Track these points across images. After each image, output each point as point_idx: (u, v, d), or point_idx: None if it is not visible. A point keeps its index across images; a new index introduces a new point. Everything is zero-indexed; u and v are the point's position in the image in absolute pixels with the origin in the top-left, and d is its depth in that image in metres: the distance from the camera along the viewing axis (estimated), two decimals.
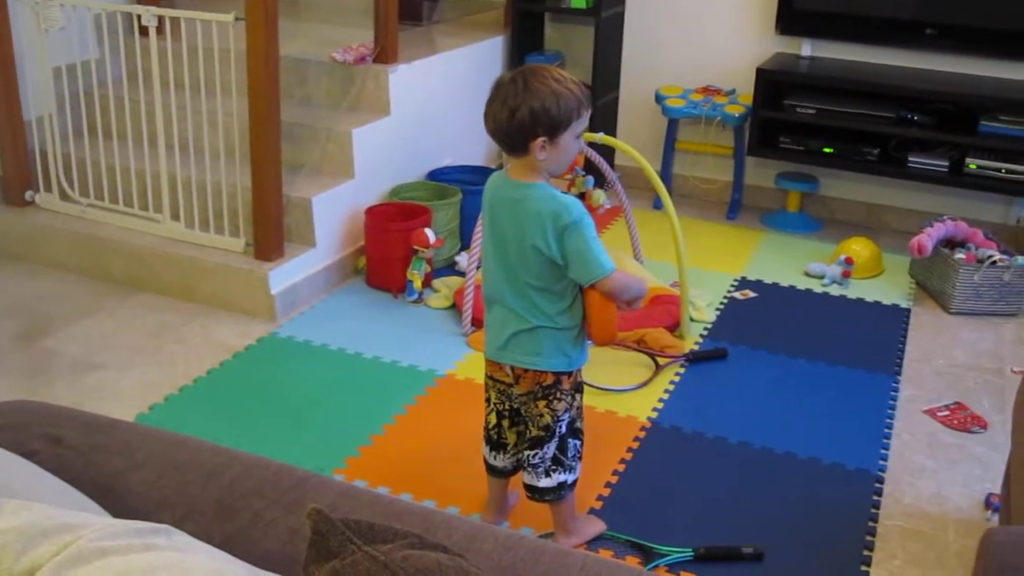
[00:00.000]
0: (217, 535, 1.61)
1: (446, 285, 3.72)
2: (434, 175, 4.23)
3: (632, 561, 2.37)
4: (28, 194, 3.93)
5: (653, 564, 2.33)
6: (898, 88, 4.20)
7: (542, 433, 2.25)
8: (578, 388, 2.28)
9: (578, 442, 2.32)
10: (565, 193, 2.12)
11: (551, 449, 2.26)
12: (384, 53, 3.93)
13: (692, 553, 2.35)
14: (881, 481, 2.73)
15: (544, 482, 2.29)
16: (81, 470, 1.74)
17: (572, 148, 2.08)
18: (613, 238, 4.21)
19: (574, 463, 2.31)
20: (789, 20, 4.48)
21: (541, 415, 2.23)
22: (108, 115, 3.86)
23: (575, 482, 2.33)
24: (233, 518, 1.64)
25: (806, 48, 4.54)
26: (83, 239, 3.76)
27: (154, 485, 1.71)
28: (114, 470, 1.74)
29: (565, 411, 2.25)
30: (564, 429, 2.26)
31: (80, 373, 3.13)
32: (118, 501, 1.67)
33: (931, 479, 2.76)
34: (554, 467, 2.28)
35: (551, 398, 2.22)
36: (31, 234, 3.87)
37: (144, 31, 3.54)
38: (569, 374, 2.22)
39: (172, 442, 1.84)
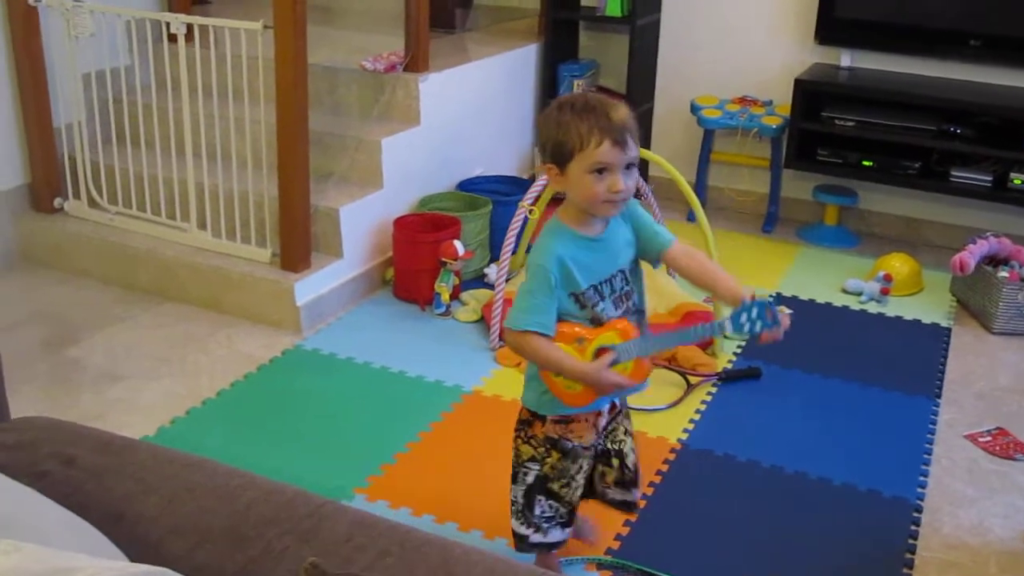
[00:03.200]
0: (229, 565, 1.57)
1: (475, 298, 3.66)
2: (465, 186, 4.17)
3: None
4: (57, 201, 3.92)
5: None
6: (940, 100, 4.10)
7: (513, 469, 2.15)
8: (557, 447, 2.07)
9: (554, 504, 2.11)
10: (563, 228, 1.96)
11: (516, 494, 2.13)
12: (415, 61, 3.88)
13: None
14: (919, 510, 2.63)
15: (512, 522, 2.17)
16: (92, 493, 1.70)
17: (584, 183, 1.86)
18: None
19: (543, 524, 2.12)
20: (829, 29, 4.38)
21: (514, 449, 2.14)
22: (137, 122, 3.84)
23: (544, 545, 2.14)
24: (246, 547, 1.59)
25: (845, 59, 4.44)
26: (110, 247, 3.74)
27: (166, 510, 1.66)
28: (126, 493, 1.70)
29: (531, 459, 2.10)
30: (531, 480, 2.10)
31: (104, 384, 3.10)
32: (129, 528, 1.63)
33: (972, 508, 2.67)
34: (518, 514, 2.14)
35: (519, 437, 2.11)
36: (59, 241, 3.85)
37: (173, 38, 3.52)
38: (541, 420, 2.07)
39: (186, 464, 1.80)
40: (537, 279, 1.92)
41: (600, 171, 1.84)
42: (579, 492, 2.13)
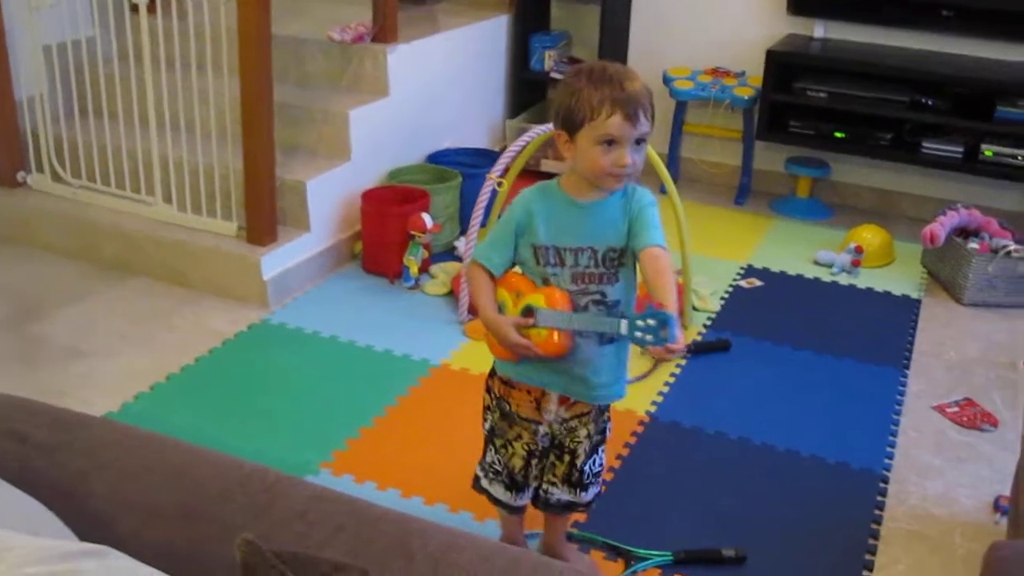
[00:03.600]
0: (181, 542, 1.54)
1: (444, 271, 3.64)
2: (434, 158, 4.13)
3: (611, 564, 2.29)
4: (20, 175, 3.85)
5: (632, 568, 2.25)
6: (912, 72, 4.08)
7: None
8: (499, 405, 2.07)
9: (498, 458, 2.12)
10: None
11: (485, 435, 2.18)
12: (383, 32, 3.83)
13: (672, 557, 2.27)
14: (886, 481, 2.64)
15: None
16: (44, 471, 1.67)
17: (591, 154, 1.82)
18: None
19: (489, 473, 2.14)
20: (801, 0, 4.36)
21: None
22: (100, 95, 3.78)
23: (491, 498, 2.16)
24: (198, 523, 1.56)
25: (819, 29, 4.42)
26: (75, 222, 3.69)
27: (118, 487, 1.63)
28: (78, 471, 1.67)
29: (486, 408, 2.12)
30: (485, 428, 2.13)
31: (67, 360, 3.06)
32: (78, 506, 1.60)
33: (938, 479, 2.67)
34: (482, 453, 2.18)
35: (486, 382, 2.12)
36: (23, 216, 3.79)
37: (135, 8, 3.45)
38: (495, 372, 2.08)
39: (141, 440, 1.77)
40: (502, 220, 1.96)
41: (608, 143, 1.80)
42: (518, 462, 2.09)
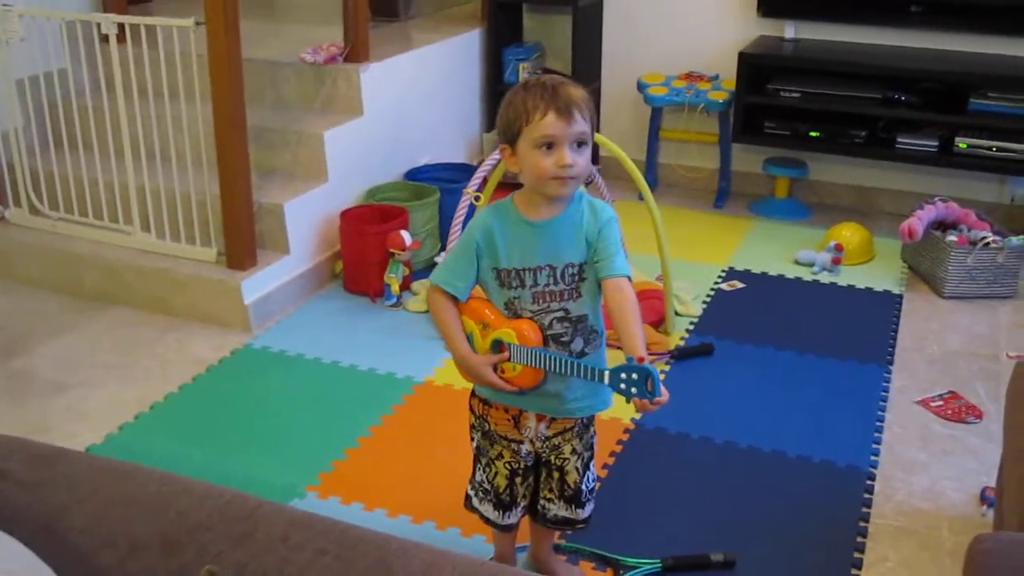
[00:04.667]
0: (161, 572, 1.54)
1: (425, 288, 3.63)
2: (412, 175, 4.14)
3: (600, 575, 2.29)
4: None
5: None
6: (884, 68, 4.11)
7: None
8: (479, 424, 2.07)
9: (485, 477, 2.10)
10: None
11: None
12: (354, 51, 3.84)
13: (660, 564, 2.27)
14: (872, 478, 2.64)
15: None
16: (24, 507, 1.67)
17: (532, 158, 1.82)
18: None
19: (479, 492, 2.13)
20: (771, 2, 4.39)
21: None
22: (74, 126, 3.77)
23: (482, 517, 2.14)
24: (178, 553, 1.56)
25: (789, 30, 4.44)
26: (55, 254, 3.68)
27: (98, 521, 1.63)
28: (58, 505, 1.67)
29: (471, 426, 2.11)
30: (473, 447, 2.12)
31: (50, 394, 3.05)
32: (59, 541, 1.60)
33: (924, 473, 2.68)
34: (472, 473, 2.17)
35: (470, 401, 2.10)
36: (1, 250, 3.78)
37: (106, 38, 3.45)
38: (475, 391, 2.08)
39: (121, 473, 1.76)
40: (461, 241, 1.96)
41: (548, 146, 1.80)
42: (502, 481, 2.07)
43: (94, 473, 1.76)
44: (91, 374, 3.17)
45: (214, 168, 3.40)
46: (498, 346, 1.90)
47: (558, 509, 2.12)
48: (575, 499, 2.10)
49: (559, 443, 2.04)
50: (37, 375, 3.17)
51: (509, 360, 1.89)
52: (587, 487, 2.11)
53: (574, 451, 2.06)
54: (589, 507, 2.13)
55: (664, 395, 1.73)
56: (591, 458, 2.10)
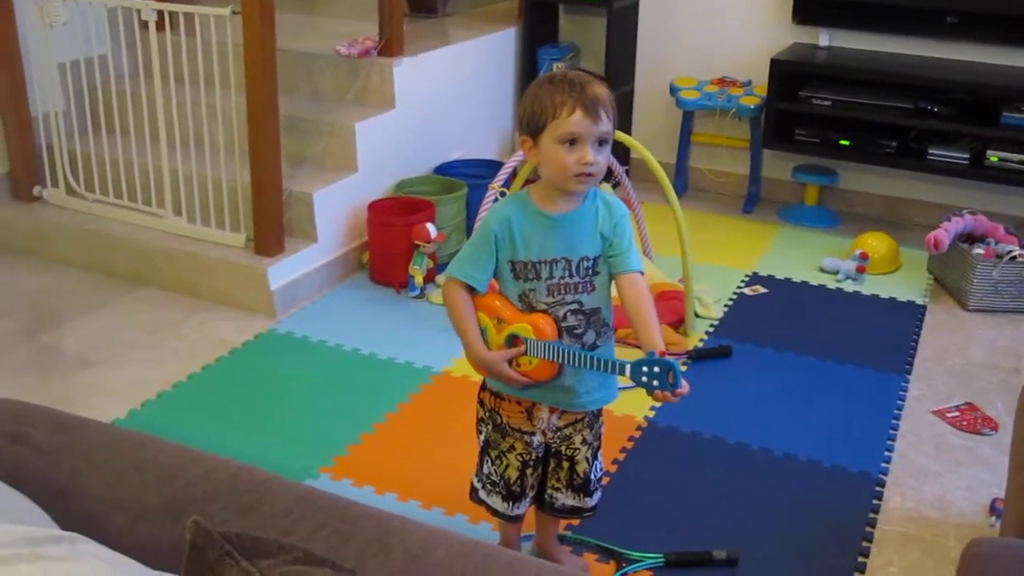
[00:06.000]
0: (166, 538, 1.59)
1: None
2: (442, 169, 4.18)
3: (603, 566, 2.31)
4: (36, 189, 3.94)
5: (624, 570, 2.28)
6: (917, 78, 4.09)
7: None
8: (491, 418, 2.08)
9: (494, 469, 2.12)
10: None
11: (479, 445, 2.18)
12: (389, 46, 3.89)
13: (663, 559, 2.29)
14: (882, 484, 2.64)
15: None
16: (40, 470, 1.72)
17: (555, 154, 1.83)
18: None
19: (487, 484, 2.15)
20: (806, 9, 4.39)
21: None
22: (112, 110, 3.86)
23: (490, 509, 2.17)
24: (184, 521, 1.59)
25: (823, 38, 4.44)
26: (88, 234, 3.76)
27: (110, 487, 1.68)
28: (73, 470, 1.72)
29: (480, 420, 2.13)
30: (482, 438, 2.14)
31: (76, 370, 3.13)
32: (71, 503, 1.65)
33: (935, 483, 2.68)
34: (477, 465, 2.18)
35: (479, 395, 2.13)
36: (38, 229, 3.87)
37: (145, 25, 3.53)
38: (486, 385, 2.09)
39: (136, 443, 1.81)
40: (480, 233, 1.94)
41: (571, 143, 1.82)
42: (513, 473, 2.10)
43: (109, 442, 1.81)
44: (117, 352, 3.24)
45: (245, 155, 3.46)
46: (513, 340, 1.92)
47: (566, 498, 2.15)
48: (584, 488, 2.13)
49: (570, 433, 2.08)
50: (64, 351, 3.24)
51: (525, 354, 1.91)
52: (595, 476, 2.14)
53: (584, 441, 2.09)
54: (597, 495, 2.17)
55: (685, 387, 1.77)
56: (599, 447, 2.14)
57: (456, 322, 1.96)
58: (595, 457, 2.13)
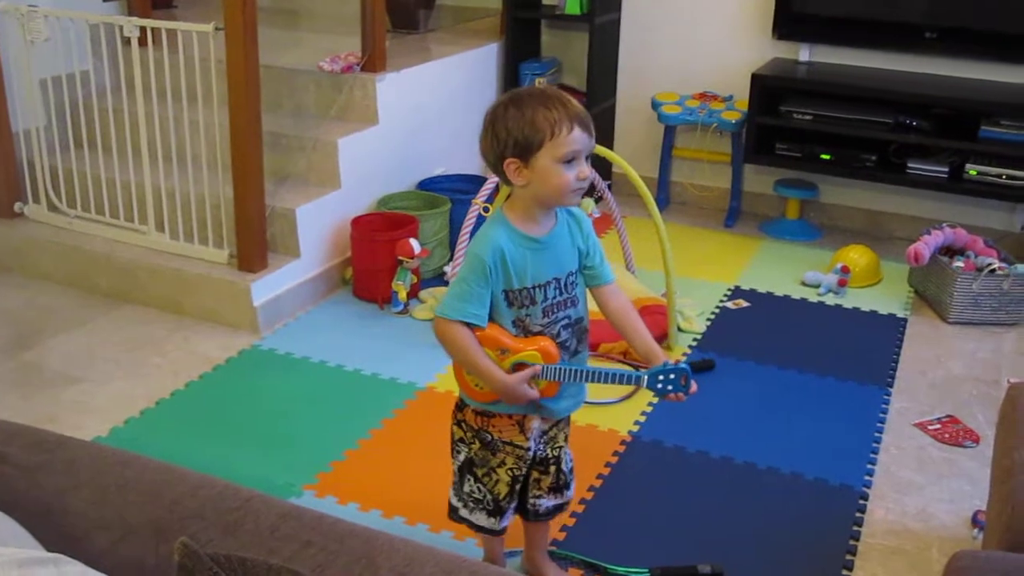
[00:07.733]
0: (151, 558, 1.58)
1: (433, 296, 3.68)
2: (425, 185, 4.19)
3: None
4: (17, 206, 3.92)
5: None
6: (897, 93, 4.13)
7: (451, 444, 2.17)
8: (478, 436, 2.06)
9: (479, 487, 2.11)
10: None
11: (454, 467, 2.15)
12: (372, 62, 3.89)
13: (648, 573, 2.30)
14: (865, 497, 2.66)
15: (450, 491, 2.19)
16: (22, 490, 1.71)
17: (553, 172, 1.82)
18: (605, 248, 4.14)
19: (469, 503, 2.13)
20: (787, 25, 4.42)
21: (451, 428, 2.15)
22: (94, 127, 3.84)
23: (474, 525, 2.16)
24: (169, 539, 1.59)
25: (804, 53, 4.47)
26: (70, 251, 3.75)
27: (94, 506, 1.67)
28: (56, 489, 1.71)
29: (460, 441, 2.11)
30: (462, 459, 2.11)
31: (58, 387, 3.11)
32: (55, 523, 1.64)
33: (917, 495, 2.69)
34: (454, 485, 2.16)
35: (453, 417, 2.11)
36: (20, 246, 3.85)
37: (128, 41, 3.52)
38: (466, 405, 2.07)
39: (119, 461, 1.80)
40: (473, 268, 1.89)
41: (570, 161, 1.82)
42: (503, 488, 2.09)
43: (92, 460, 1.80)
44: (100, 369, 3.22)
45: (229, 171, 3.46)
46: (517, 367, 1.93)
47: (549, 500, 2.19)
48: (565, 483, 2.20)
49: (555, 434, 2.13)
50: (47, 368, 3.22)
51: (540, 377, 1.94)
52: (569, 467, 2.20)
53: (566, 437, 2.16)
54: (573, 486, 2.23)
55: (694, 386, 1.92)
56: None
57: (469, 361, 1.92)
58: (569, 450, 2.20)
